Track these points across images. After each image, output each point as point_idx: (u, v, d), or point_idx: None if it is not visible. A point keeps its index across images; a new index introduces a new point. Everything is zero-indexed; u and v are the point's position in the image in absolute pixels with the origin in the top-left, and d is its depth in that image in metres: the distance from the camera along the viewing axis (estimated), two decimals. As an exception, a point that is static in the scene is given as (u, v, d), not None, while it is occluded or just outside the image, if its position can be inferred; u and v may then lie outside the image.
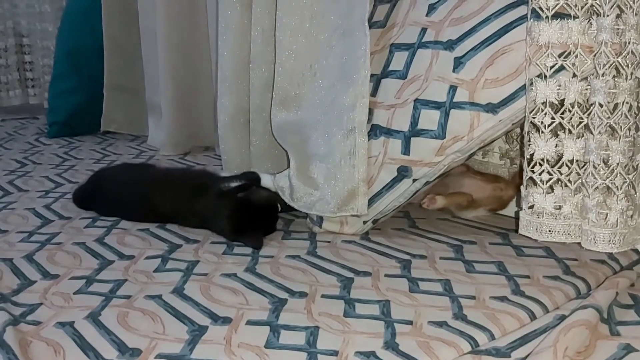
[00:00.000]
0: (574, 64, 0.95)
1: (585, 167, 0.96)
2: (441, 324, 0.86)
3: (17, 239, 1.26)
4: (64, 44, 2.51)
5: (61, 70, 2.50)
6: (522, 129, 1.13)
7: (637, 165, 0.96)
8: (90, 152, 2.21)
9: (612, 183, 0.93)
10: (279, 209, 1.30)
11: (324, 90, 1.27)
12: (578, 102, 0.96)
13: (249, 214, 1.23)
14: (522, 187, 1.02)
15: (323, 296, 0.97)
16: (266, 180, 1.36)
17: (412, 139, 1.14)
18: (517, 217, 1.05)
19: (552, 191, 0.98)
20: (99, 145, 2.33)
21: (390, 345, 0.81)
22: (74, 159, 2.08)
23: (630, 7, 0.89)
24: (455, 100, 1.09)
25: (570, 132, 0.96)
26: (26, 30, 3.21)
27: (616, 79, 0.91)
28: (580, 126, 0.96)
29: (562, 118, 0.96)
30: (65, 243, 1.23)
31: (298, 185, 1.29)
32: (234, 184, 1.29)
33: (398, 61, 1.19)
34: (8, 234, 1.29)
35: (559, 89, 0.96)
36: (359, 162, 1.18)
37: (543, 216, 0.99)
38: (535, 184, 0.99)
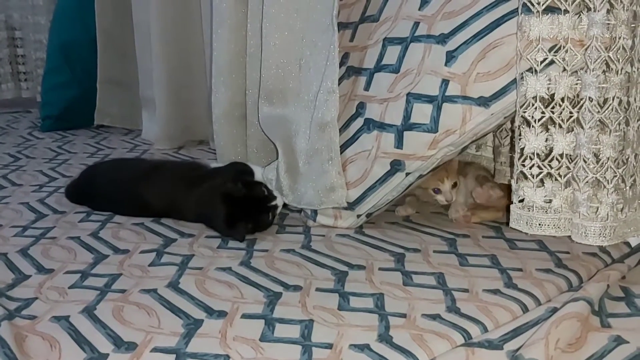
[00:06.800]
0: (564, 59, 0.96)
1: (576, 161, 0.96)
2: (434, 317, 0.87)
3: (11, 234, 1.26)
4: (56, 37, 2.49)
5: (54, 63, 2.50)
6: (512, 123, 1.13)
7: (627, 159, 0.96)
8: (84, 146, 2.21)
9: (602, 177, 0.94)
10: (271, 202, 1.28)
11: (309, 86, 1.27)
12: (568, 97, 0.96)
13: (239, 208, 1.22)
14: (512, 180, 1.03)
15: (317, 290, 0.97)
16: (258, 173, 1.37)
17: (404, 132, 1.15)
18: (508, 211, 1.06)
19: (543, 185, 0.98)
20: (92, 139, 2.33)
21: (384, 338, 0.82)
22: (68, 153, 2.08)
23: (621, 2, 0.90)
24: (447, 93, 1.10)
25: (560, 126, 0.97)
26: (18, 23, 3.18)
27: (607, 74, 0.92)
28: (570, 120, 0.97)
29: (553, 112, 0.97)
30: (60, 237, 1.23)
31: (286, 179, 1.30)
32: (227, 179, 1.28)
33: (391, 55, 1.20)
34: (2, 229, 1.29)
35: (549, 84, 0.96)
36: (335, 156, 1.21)
37: (533, 210, 0.99)
38: (525, 177, 0.99)
